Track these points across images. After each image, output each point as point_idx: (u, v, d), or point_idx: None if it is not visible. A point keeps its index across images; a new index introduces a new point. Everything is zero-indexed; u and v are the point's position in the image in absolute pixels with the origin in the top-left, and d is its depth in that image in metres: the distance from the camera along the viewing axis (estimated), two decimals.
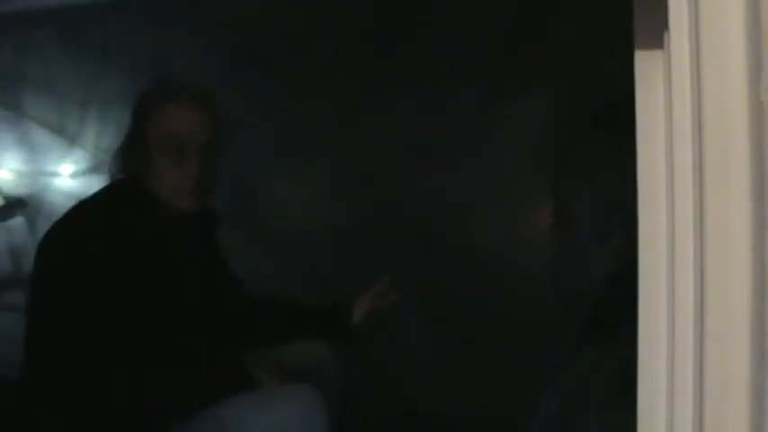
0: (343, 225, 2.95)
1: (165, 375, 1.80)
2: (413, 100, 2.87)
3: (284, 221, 3.06)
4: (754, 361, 0.65)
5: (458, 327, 2.73)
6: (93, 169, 2.91)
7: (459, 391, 2.64)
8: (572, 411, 1.14)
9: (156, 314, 1.81)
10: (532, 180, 2.10)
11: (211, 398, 1.83)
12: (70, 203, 1.98)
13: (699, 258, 0.69)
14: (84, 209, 1.94)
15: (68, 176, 3.01)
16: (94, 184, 2.37)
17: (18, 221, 2.81)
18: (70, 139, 3.00)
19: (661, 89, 0.76)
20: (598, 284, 1.19)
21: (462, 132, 2.85)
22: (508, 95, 2.77)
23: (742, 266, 0.66)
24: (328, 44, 2.91)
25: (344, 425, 1.98)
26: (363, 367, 2.33)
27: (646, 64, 0.77)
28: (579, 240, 1.22)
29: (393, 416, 2.58)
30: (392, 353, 2.59)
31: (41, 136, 3.02)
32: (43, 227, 2.35)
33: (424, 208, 2.86)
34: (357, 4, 2.84)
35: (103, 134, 2.87)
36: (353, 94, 2.91)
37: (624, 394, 0.80)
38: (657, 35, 0.76)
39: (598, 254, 1.18)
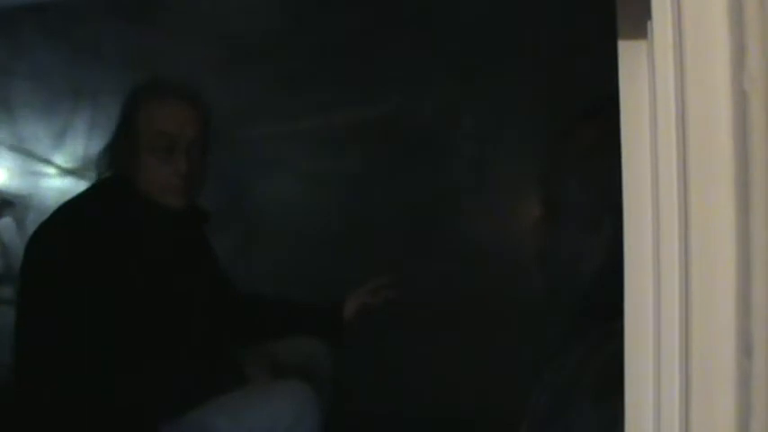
0: (334, 221, 2.95)
1: (156, 373, 1.80)
2: (406, 96, 2.87)
3: (277, 218, 3.05)
4: (740, 356, 0.64)
5: (450, 323, 2.72)
6: (81, 168, 2.90)
7: (453, 388, 2.64)
8: (562, 407, 1.13)
9: (146, 311, 1.80)
10: (522, 175, 2.10)
11: (204, 394, 1.82)
12: (58, 202, 1.98)
13: (684, 250, 0.69)
14: (72, 207, 1.93)
15: (56, 175, 3.00)
16: (82, 182, 2.36)
17: (6, 222, 2.80)
18: (58, 137, 2.99)
19: (645, 79, 0.76)
20: (588, 279, 1.19)
21: (455, 129, 2.85)
22: (500, 90, 2.77)
23: (727, 258, 0.66)
24: (324, 39, 2.90)
25: (337, 421, 1.98)
26: (357, 363, 2.33)
27: (629, 53, 0.77)
28: (571, 235, 1.22)
29: (387, 412, 2.57)
30: (384, 349, 2.58)
31: (29, 134, 3.00)
32: (31, 227, 2.34)
33: (416, 205, 2.86)
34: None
35: (92, 132, 2.86)
36: (348, 90, 2.90)
37: (614, 389, 0.79)
38: (641, 24, 0.75)
39: (589, 248, 1.18)
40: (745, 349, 0.64)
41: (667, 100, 0.71)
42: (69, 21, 2.78)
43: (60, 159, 3.00)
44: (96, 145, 2.13)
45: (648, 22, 0.73)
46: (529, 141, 2.29)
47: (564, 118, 1.27)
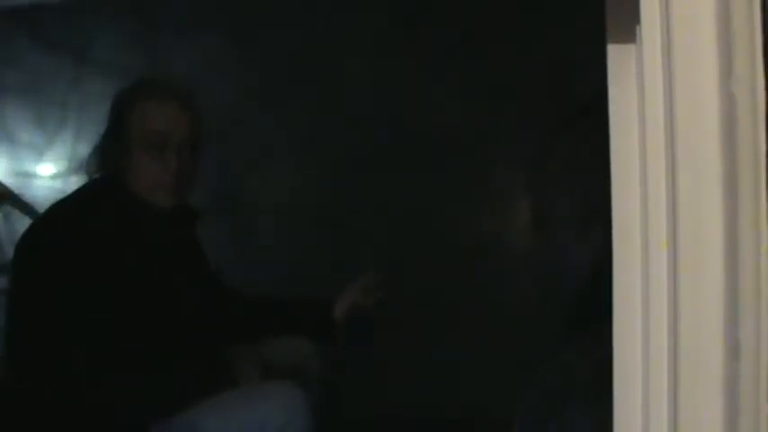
0: (327, 223, 2.95)
1: (147, 372, 1.79)
2: (398, 99, 2.88)
3: (268, 217, 3.05)
4: (728, 357, 0.65)
5: (444, 324, 2.73)
6: (72, 168, 2.89)
7: (447, 389, 2.64)
8: (557, 407, 1.14)
9: (137, 310, 1.80)
10: (515, 179, 2.11)
11: (194, 395, 1.82)
12: (49, 201, 1.97)
13: (672, 252, 0.69)
14: (63, 207, 1.93)
15: (47, 176, 3.00)
16: (73, 182, 2.36)
17: None
18: (49, 138, 2.99)
19: (634, 83, 0.76)
20: (583, 280, 1.19)
21: (448, 132, 2.85)
22: (492, 92, 2.78)
23: (715, 261, 0.66)
24: (317, 37, 2.90)
25: (328, 422, 1.98)
26: (349, 364, 2.33)
27: (618, 58, 0.77)
28: (563, 238, 1.22)
29: (379, 413, 2.57)
30: (376, 349, 2.59)
31: (21, 135, 3.00)
32: (20, 224, 2.33)
33: (409, 207, 2.86)
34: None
35: (82, 133, 2.86)
36: (343, 88, 2.91)
37: (608, 390, 0.79)
38: (630, 29, 0.75)
39: (584, 249, 1.18)
40: (734, 352, 0.64)
41: (656, 103, 0.72)
42: (61, 23, 2.78)
43: (51, 159, 3.00)
44: (87, 145, 2.13)
45: (637, 27, 0.73)
46: (522, 144, 2.29)
47: (557, 122, 1.28)
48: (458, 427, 2.59)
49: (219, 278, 2.15)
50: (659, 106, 0.71)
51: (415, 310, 2.66)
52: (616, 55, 0.77)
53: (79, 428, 1.75)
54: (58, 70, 2.95)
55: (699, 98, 0.67)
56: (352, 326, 2.11)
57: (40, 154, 3.01)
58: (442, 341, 2.71)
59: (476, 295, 2.72)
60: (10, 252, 1.95)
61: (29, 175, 3.00)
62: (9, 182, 2.91)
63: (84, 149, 2.15)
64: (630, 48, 0.76)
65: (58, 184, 2.93)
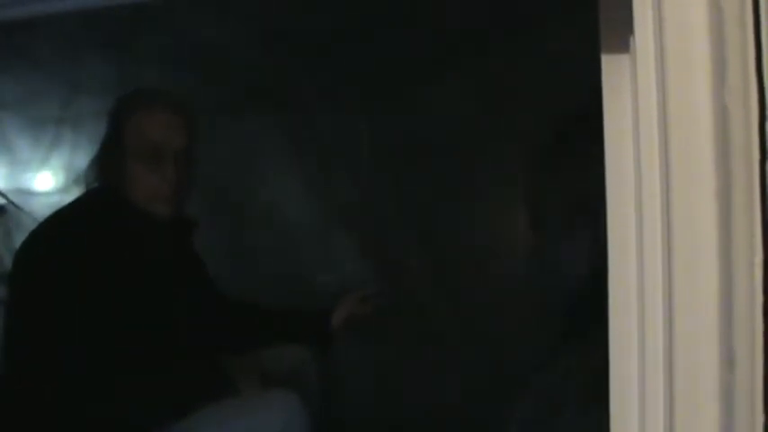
0: (325, 229, 2.95)
1: (143, 381, 1.79)
2: (395, 105, 2.88)
3: (266, 226, 3.05)
4: (723, 369, 0.65)
5: (440, 330, 2.73)
6: (69, 178, 2.89)
7: (442, 395, 2.64)
8: (555, 409, 1.14)
9: (135, 320, 1.80)
10: (515, 180, 2.10)
11: (191, 403, 1.82)
12: (46, 212, 1.97)
13: (667, 260, 0.69)
14: (61, 217, 1.93)
15: (45, 186, 3.00)
16: (71, 193, 2.36)
17: None
18: (47, 148, 2.99)
19: (628, 92, 0.77)
20: (582, 285, 1.20)
21: (446, 137, 2.85)
22: (489, 99, 2.78)
23: (709, 269, 0.67)
24: (313, 40, 2.90)
25: (325, 428, 1.98)
26: (345, 372, 2.33)
27: (612, 67, 0.78)
28: (559, 242, 1.22)
29: (375, 418, 2.57)
30: (372, 357, 2.59)
31: (18, 146, 3.00)
32: (18, 235, 2.33)
33: (408, 209, 2.86)
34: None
35: (79, 144, 2.86)
36: (341, 94, 2.91)
37: (602, 395, 0.80)
38: (623, 39, 0.76)
39: (579, 255, 1.19)
40: (728, 362, 0.64)
41: (650, 113, 0.72)
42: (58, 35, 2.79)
43: (49, 170, 3.00)
44: (84, 157, 2.13)
45: (631, 37, 0.74)
46: (522, 144, 2.29)
47: (551, 130, 1.28)
48: (457, 429, 2.59)
49: (217, 287, 2.15)
50: (653, 115, 0.72)
51: (414, 312, 2.66)
52: (610, 65, 0.78)
53: None
54: (54, 84, 2.95)
55: (692, 108, 0.68)
56: (349, 334, 2.11)
57: (36, 166, 3.01)
58: (441, 343, 2.71)
59: (475, 297, 2.72)
60: (8, 262, 1.94)
61: (27, 183, 3.00)
62: (7, 191, 2.92)
63: (82, 162, 2.15)
64: (625, 58, 0.77)
65: (54, 197, 2.92)
